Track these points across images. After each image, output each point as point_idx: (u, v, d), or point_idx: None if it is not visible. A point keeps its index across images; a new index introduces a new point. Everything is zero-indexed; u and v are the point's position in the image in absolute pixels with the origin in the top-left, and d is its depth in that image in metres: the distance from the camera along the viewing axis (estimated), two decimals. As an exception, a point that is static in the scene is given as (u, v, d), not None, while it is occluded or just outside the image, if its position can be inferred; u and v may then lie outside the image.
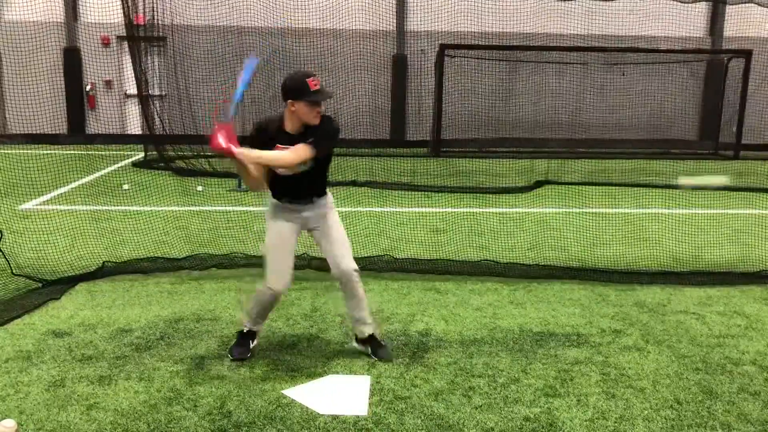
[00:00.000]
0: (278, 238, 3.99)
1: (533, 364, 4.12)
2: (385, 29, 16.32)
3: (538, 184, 9.49)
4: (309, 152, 3.76)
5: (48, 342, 4.35)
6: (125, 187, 10.33)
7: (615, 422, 3.45)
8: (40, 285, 5.37)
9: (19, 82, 14.70)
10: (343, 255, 4.01)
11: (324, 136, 3.82)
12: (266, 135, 3.85)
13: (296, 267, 5.52)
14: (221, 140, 3.56)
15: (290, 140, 3.80)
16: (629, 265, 6.27)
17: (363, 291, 4.12)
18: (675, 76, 16.83)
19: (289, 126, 3.83)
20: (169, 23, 12.65)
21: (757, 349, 4.40)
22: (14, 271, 5.54)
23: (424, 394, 3.72)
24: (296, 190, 3.95)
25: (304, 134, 3.80)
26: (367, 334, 4.17)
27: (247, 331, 4.18)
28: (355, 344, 4.26)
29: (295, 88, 3.73)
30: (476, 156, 14.99)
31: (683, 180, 6.98)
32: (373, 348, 4.17)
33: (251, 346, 4.19)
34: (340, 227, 4.07)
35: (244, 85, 3.74)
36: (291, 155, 3.74)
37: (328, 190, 4.10)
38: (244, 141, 3.74)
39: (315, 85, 3.74)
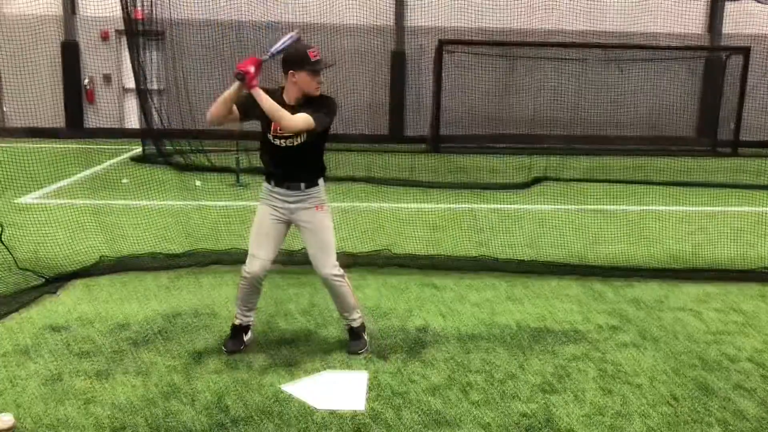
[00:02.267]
0: (258, 224, 4.06)
1: (530, 360, 4.13)
2: (383, 25, 16.30)
3: (537, 180, 9.50)
4: (309, 121, 3.78)
5: (45, 336, 4.35)
6: (124, 181, 10.31)
7: (612, 418, 3.46)
8: (43, 280, 5.34)
9: (17, 75, 14.67)
10: (320, 260, 4.03)
11: (324, 111, 3.88)
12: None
13: (295, 263, 5.57)
14: (248, 64, 3.67)
15: (290, 111, 3.81)
16: (627, 262, 6.27)
17: (346, 291, 4.13)
18: (673, 73, 16.81)
19: (289, 97, 3.88)
20: (168, 18, 12.61)
21: (754, 346, 4.42)
22: (19, 266, 5.51)
23: (421, 389, 3.72)
24: (286, 169, 3.95)
25: (303, 106, 3.85)
26: (348, 327, 4.27)
27: (238, 324, 4.20)
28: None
29: (297, 59, 3.82)
30: (475, 152, 14.99)
31: None
32: (349, 339, 4.26)
33: (245, 339, 4.22)
34: (324, 229, 4.02)
35: (278, 48, 3.82)
36: (291, 116, 3.77)
37: (322, 184, 4.05)
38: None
39: (315, 55, 3.84)
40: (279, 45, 3.83)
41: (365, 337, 4.27)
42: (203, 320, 4.68)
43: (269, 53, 3.81)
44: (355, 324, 4.23)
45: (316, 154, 4.02)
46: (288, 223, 4.09)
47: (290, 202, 3.99)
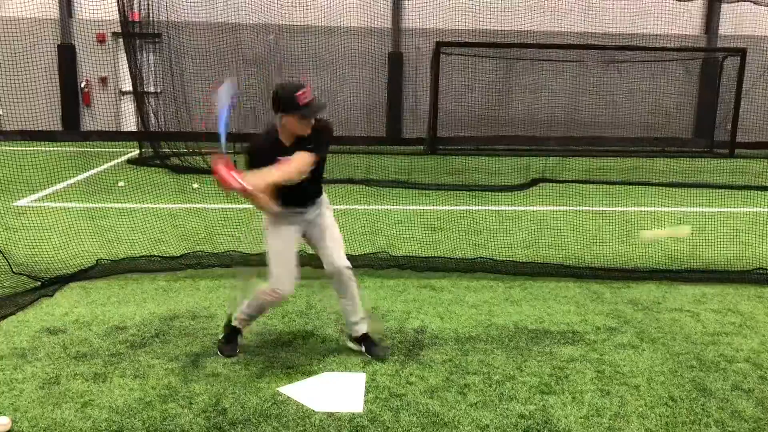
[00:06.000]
0: (283, 243, 3.95)
1: (528, 361, 4.13)
2: (381, 26, 16.31)
3: (535, 182, 9.51)
4: (310, 158, 3.73)
5: (42, 339, 4.33)
6: (120, 184, 10.30)
7: (610, 419, 3.46)
8: (39, 283, 5.33)
9: (13, 78, 14.65)
10: (338, 252, 4.03)
11: (320, 140, 3.81)
12: (263, 153, 3.79)
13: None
14: (231, 178, 3.44)
15: (287, 151, 3.77)
16: (625, 263, 6.28)
17: (356, 289, 4.13)
18: (670, 74, 16.86)
19: (284, 137, 3.80)
20: (165, 20, 12.61)
21: (751, 347, 4.42)
22: (14, 270, 5.51)
23: (419, 391, 3.72)
24: (301, 196, 3.94)
25: (298, 143, 3.77)
26: (360, 333, 4.17)
27: (239, 327, 4.19)
28: (349, 343, 4.26)
29: (285, 102, 3.67)
30: (472, 154, 15.00)
31: (645, 234, 6.98)
32: (367, 346, 4.17)
33: (239, 342, 4.21)
34: (335, 226, 4.09)
35: (227, 113, 3.67)
36: (294, 166, 3.70)
37: (323, 187, 4.11)
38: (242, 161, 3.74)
39: (305, 97, 3.66)
40: (223, 104, 3.65)
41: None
42: (200, 323, 4.67)
43: (223, 121, 3.63)
44: (365, 328, 4.17)
45: (320, 176, 4.02)
46: (301, 233, 4.07)
47: (305, 215, 4.00)
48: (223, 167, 3.46)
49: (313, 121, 3.76)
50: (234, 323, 4.19)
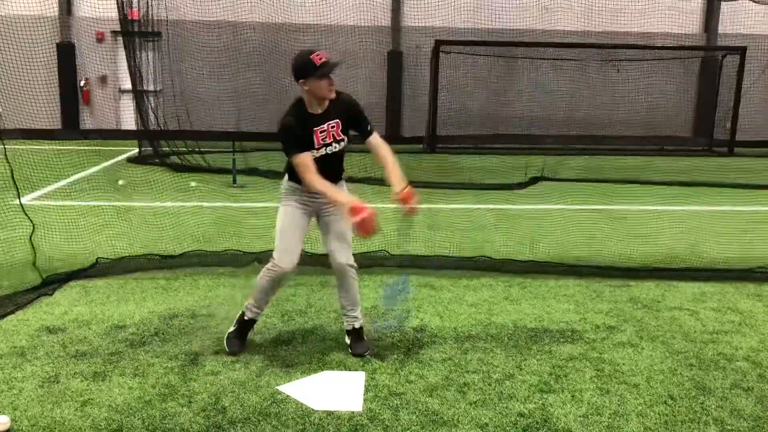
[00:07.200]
0: (291, 221, 4.01)
1: (528, 360, 4.13)
2: (380, 25, 16.30)
3: (534, 180, 9.52)
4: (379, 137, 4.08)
5: (42, 338, 4.33)
6: (120, 182, 10.29)
7: (609, 418, 3.46)
8: (38, 282, 5.32)
9: (12, 76, 14.63)
10: (340, 249, 4.06)
11: (364, 114, 3.99)
12: (299, 130, 3.82)
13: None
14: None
15: (322, 119, 3.85)
16: (624, 261, 6.28)
17: (356, 288, 4.16)
18: (670, 73, 16.86)
19: (313, 107, 3.86)
20: (164, 18, 12.60)
21: (751, 345, 4.42)
22: (14, 268, 5.49)
23: (418, 389, 3.72)
24: (324, 174, 3.90)
25: (330, 110, 3.87)
26: (350, 327, 4.21)
27: (249, 318, 4.18)
28: (347, 339, 4.28)
29: (302, 67, 3.76)
30: (472, 152, 15.00)
31: None
32: (351, 341, 4.19)
33: (247, 338, 4.22)
34: (345, 219, 4.05)
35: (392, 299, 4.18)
36: (389, 151, 4.14)
37: (344, 176, 4.16)
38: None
39: (320, 59, 3.76)
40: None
41: (366, 337, 4.27)
42: (200, 321, 4.67)
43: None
44: (358, 323, 4.21)
45: (342, 157, 4.09)
46: (312, 215, 4.11)
47: (322, 200, 4.00)
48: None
49: (334, 82, 3.82)
50: (246, 315, 4.18)
